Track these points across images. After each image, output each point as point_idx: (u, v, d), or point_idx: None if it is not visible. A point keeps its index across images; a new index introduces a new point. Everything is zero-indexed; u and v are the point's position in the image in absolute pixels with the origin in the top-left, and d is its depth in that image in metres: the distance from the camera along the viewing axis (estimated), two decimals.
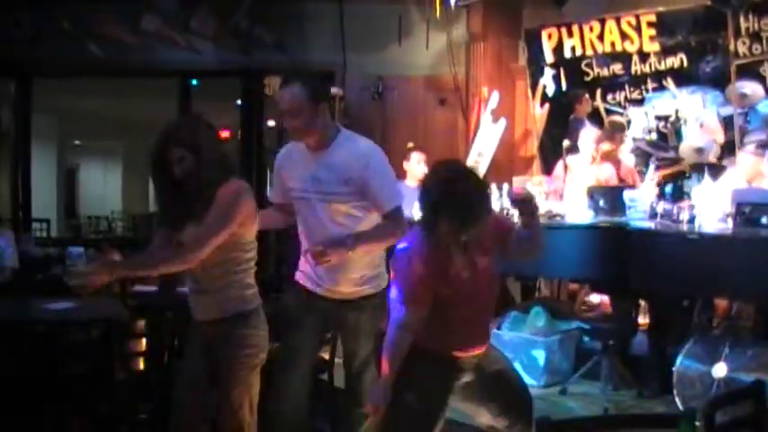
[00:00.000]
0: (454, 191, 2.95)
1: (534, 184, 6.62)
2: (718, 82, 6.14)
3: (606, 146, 6.57)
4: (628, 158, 6.50)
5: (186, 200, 3.27)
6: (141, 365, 4.76)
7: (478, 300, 3.17)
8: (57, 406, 4.46)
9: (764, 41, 5.95)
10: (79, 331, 5.12)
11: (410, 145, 6.82)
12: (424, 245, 3.06)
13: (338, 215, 3.55)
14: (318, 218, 3.59)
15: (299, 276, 3.78)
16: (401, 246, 3.15)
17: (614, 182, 6.41)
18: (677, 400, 4.81)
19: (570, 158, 6.72)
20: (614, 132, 6.62)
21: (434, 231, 3.00)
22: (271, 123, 8.75)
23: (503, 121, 6.86)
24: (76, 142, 17.76)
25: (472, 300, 3.13)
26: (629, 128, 6.56)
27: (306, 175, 3.61)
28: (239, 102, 8.79)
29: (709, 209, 5.32)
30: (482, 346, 3.24)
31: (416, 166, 6.45)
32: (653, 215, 5.62)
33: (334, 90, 7.19)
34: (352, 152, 3.54)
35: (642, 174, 6.15)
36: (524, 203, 3.29)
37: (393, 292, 3.11)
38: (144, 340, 4.78)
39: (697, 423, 2.44)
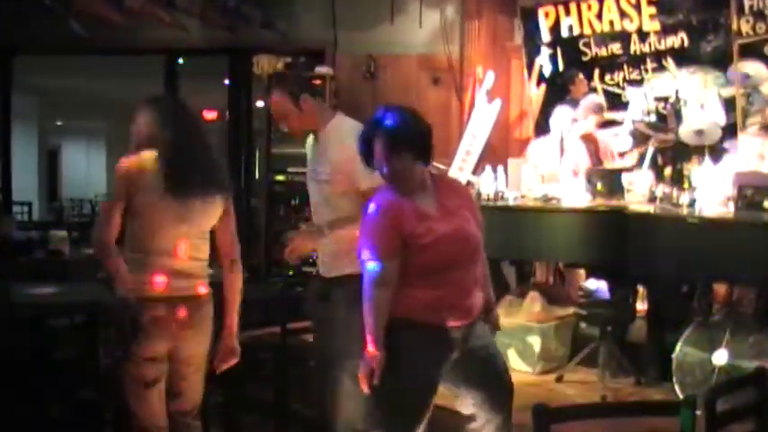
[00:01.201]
0: (406, 117, 3.14)
1: (530, 167, 6.55)
2: (720, 62, 6.00)
3: (584, 124, 6.49)
4: (624, 140, 6.40)
5: None
6: None
7: (461, 260, 3.12)
8: (40, 391, 4.36)
9: None
10: (63, 316, 5.02)
11: None
12: (385, 196, 3.11)
13: (334, 198, 3.64)
14: (317, 200, 3.75)
15: None
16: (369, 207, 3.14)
17: (585, 161, 6.34)
18: (676, 387, 4.79)
19: (540, 140, 6.68)
20: (590, 112, 6.53)
21: (391, 161, 3.07)
22: (260, 104, 8.59)
23: (498, 102, 6.75)
24: (58, 123, 17.54)
25: (454, 260, 3.09)
26: (626, 109, 6.44)
27: (310, 160, 3.83)
28: (227, 81, 8.63)
29: (710, 192, 5.26)
30: (470, 316, 3.18)
31: None
32: (652, 198, 5.57)
33: (324, 69, 7.05)
34: (337, 137, 3.64)
35: (642, 157, 6.04)
36: None
37: (362, 252, 3.08)
38: None
39: (698, 412, 2.39)
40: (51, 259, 5.78)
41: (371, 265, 3.02)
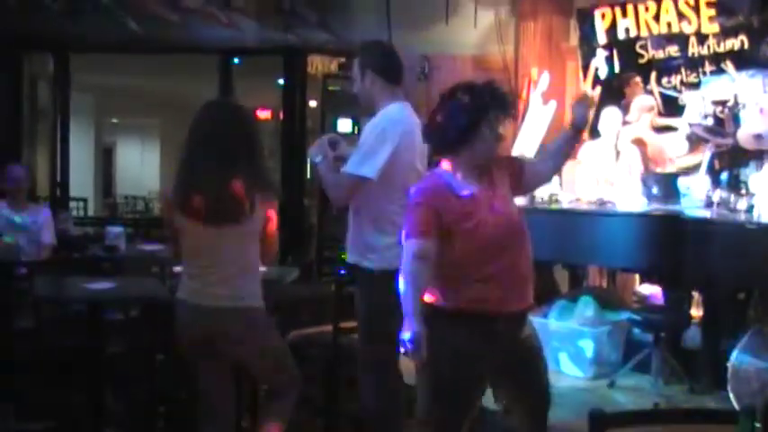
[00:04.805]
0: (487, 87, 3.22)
1: (584, 169, 6.47)
2: None
3: (636, 126, 6.39)
4: (681, 144, 6.30)
5: None
6: None
7: (507, 246, 3.06)
8: (95, 386, 4.41)
9: None
10: (118, 311, 5.08)
11: None
12: (432, 178, 3.13)
13: None
14: None
15: None
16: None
17: (639, 165, 6.24)
18: (731, 396, 4.64)
19: (593, 142, 6.59)
20: (642, 111, 6.43)
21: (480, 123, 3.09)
22: (313, 103, 8.62)
23: (553, 104, 6.69)
24: (114, 120, 17.76)
25: (500, 245, 3.03)
26: (682, 113, 6.34)
27: None
28: (281, 81, 8.67)
29: None
30: (520, 304, 3.11)
31: None
32: (709, 204, 5.47)
33: None
34: (371, 122, 3.74)
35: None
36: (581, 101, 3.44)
37: (403, 234, 3.06)
38: None
39: (757, 424, 2.32)
40: (107, 255, 5.84)
41: (409, 241, 3.00)
